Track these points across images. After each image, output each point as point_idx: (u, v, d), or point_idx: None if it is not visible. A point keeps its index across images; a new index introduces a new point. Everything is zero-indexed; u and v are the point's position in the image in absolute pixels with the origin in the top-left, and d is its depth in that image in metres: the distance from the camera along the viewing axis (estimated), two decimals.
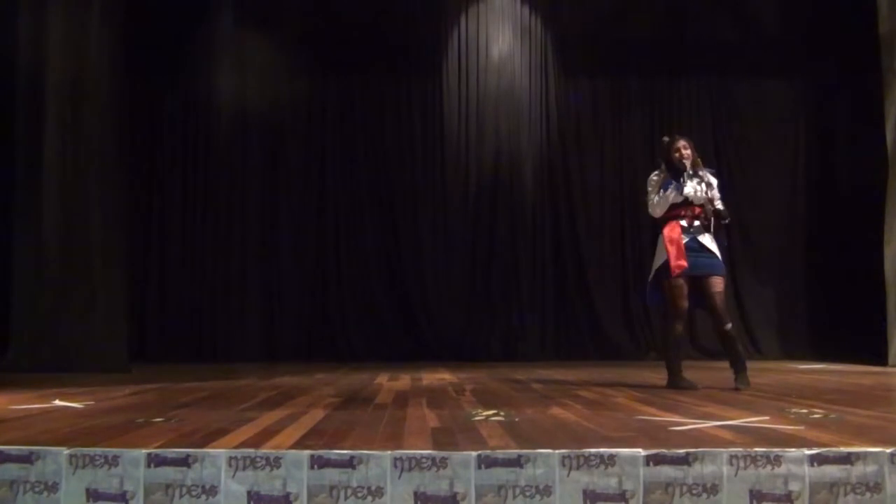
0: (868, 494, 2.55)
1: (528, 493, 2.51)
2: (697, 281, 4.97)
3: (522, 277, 9.35)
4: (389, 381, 5.88)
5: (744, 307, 9.55)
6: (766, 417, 3.54)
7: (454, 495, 2.51)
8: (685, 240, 4.97)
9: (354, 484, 2.52)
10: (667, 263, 4.94)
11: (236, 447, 2.70)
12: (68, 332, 6.85)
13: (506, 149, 9.46)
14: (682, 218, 5.01)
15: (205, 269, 9.32)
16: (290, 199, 9.48)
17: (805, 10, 9.37)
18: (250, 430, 3.17)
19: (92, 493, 2.54)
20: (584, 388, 5.28)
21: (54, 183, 7.06)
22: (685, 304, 4.96)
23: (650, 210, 5.11)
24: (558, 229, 9.61)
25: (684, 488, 2.53)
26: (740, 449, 2.59)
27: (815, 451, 2.58)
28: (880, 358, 7.34)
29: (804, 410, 3.82)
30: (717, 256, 5.03)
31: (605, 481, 2.52)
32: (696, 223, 5.02)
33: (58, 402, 4.29)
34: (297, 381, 5.93)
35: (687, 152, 5.06)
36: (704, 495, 2.53)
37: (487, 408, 3.99)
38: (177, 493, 2.53)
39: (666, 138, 5.24)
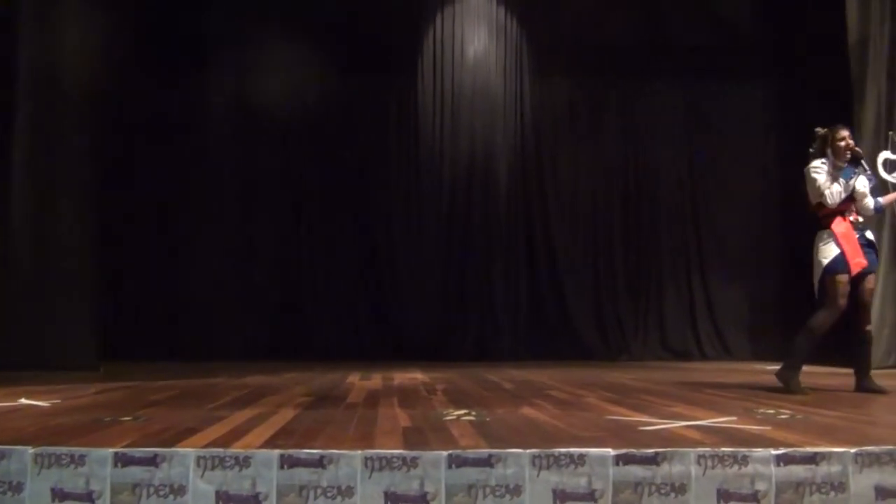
0: (833, 494, 2.58)
1: (498, 493, 2.52)
2: (855, 277, 4.80)
3: (496, 277, 9.37)
4: (361, 381, 5.87)
5: (713, 307, 9.65)
6: (734, 418, 3.58)
7: (424, 495, 2.51)
8: (856, 236, 4.83)
9: (324, 483, 2.51)
10: (836, 260, 4.74)
11: (205, 446, 2.68)
12: (36, 330, 6.74)
13: (480, 149, 9.48)
14: (846, 213, 4.85)
15: (177, 267, 9.23)
16: (264, 197, 9.43)
17: (778, 17, 9.48)
18: (220, 430, 3.15)
19: (57, 493, 2.51)
20: (556, 388, 5.31)
21: (24, 178, 6.96)
22: (844, 303, 4.75)
23: (828, 199, 4.79)
24: (532, 230, 9.64)
25: (653, 488, 2.55)
26: (708, 449, 2.61)
27: (781, 451, 2.61)
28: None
29: (771, 411, 3.86)
30: (876, 252, 4.96)
31: (575, 481, 2.54)
32: (860, 218, 4.89)
33: (23, 401, 4.23)
34: (268, 380, 5.90)
35: (853, 142, 4.90)
36: (673, 495, 2.55)
37: (459, 407, 4.00)
38: (144, 492, 2.50)
39: (821, 129, 4.98)
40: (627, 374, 6.73)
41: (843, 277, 4.74)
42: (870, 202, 4.94)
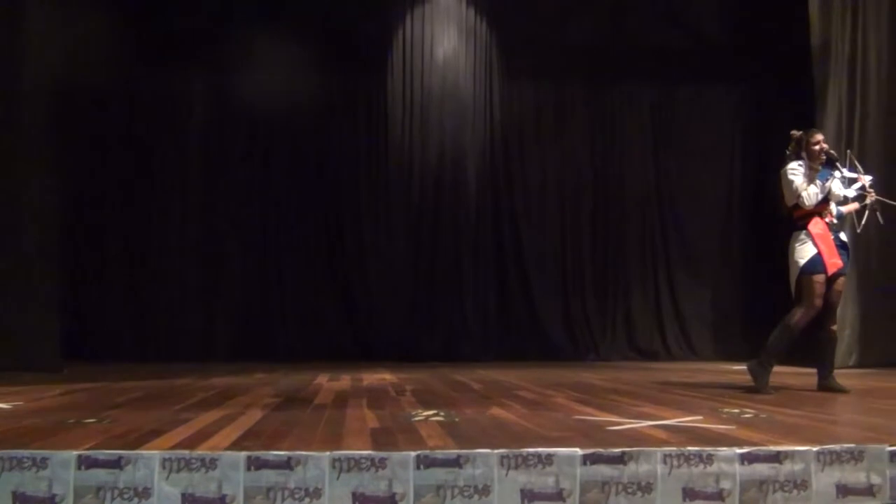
0: (795, 492, 2.63)
1: (466, 493, 2.52)
2: (829, 277, 4.88)
3: (464, 278, 9.37)
4: (329, 382, 5.85)
5: (679, 308, 9.74)
6: (700, 417, 3.62)
7: (393, 496, 2.51)
8: (832, 237, 4.92)
9: (292, 485, 2.50)
10: (813, 260, 4.83)
11: (171, 448, 2.66)
12: None
13: (449, 149, 9.47)
14: (822, 215, 4.95)
15: (144, 267, 9.12)
16: (232, 196, 9.34)
17: (743, 19, 9.61)
18: (186, 431, 3.12)
19: (19, 497, 2.47)
20: (524, 388, 5.33)
21: None
22: (820, 303, 4.84)
23: (806, 201, 4.89)
24: (500, 230, 9.66)
25: (619, 487, 2.57)
26: (674, 448, 2.64)
27: (745, 449, 2.65)
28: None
29: (736, 410, 3.92)
30: (848, 254, 5.06)
31: (543, 480, 2.55)
32: (836, 220, 5.01)
33: None
34: (235, 381, 5.85)
35: (827, 146, 5.01)
36: (639, 494, 2.57)
37: (427, 408, 4.00)
38: (108, 495, 2.47)
39: (796, 132, 5.08)
40: (595, 374, 6.77)
41: (820, 277, 4.84)
42: (833, 208, 5.06)
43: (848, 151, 5.41)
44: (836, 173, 5.01)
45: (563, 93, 9.87)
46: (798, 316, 4.86)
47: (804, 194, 4.91)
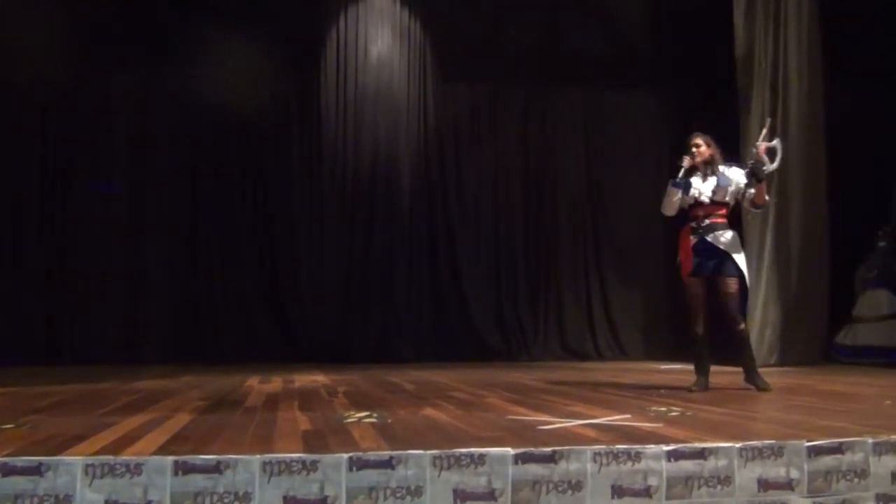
0: (719, 487, 2.70)
1: (399, 495, 2.52)
2: (712, 281, 4.96)
3: (398, 279, 9.36)
4: (260, 384, 5.77)
5: (609, 309, 9.91)
6: (628, 416, 3.69)
7: (324, 499, 2.49)
8: (693, 241, 4.98)
9: (221, 490, 2.46)
10: (679, 264, 5.01)
11: (94, 454, 2.58)
12: None
13: (383, 150, 9.44)
14: (693, 219, 5.02)
15: (64, 265, 8.84)
16: (159, 194, 9.14)
17: (672, 28, 9.84)
18: (110, 436, 3.04)
19: None
20: (457, 388, 5.35)
21: None
22: (695, 304, 4.97)
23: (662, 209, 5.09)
24: (434, 231, 9.67)
25: (550, 485, 2.60)
26: (603, 446, 2.69)
27: (671, 447, 2.71)
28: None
29: (663, 408, 4.01)
30: (729, 256, 4.95)
31: (475, 480, 2.56)
32: (707, 222, 4.98)
33: None
34: (162, 384, 5.72)
35: (700, 149, 5.05)
36: (570, 492, 2.61)
37: (360, 409, 3.98)
38: None
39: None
40: (527, 375, 6.84)
41: (686, 281, 5.05)
42: (750, 194, 5.02)
43: (768, 119, 5.33)
44: (694, 179, 5.05)
45: (496, 96, 9.95)
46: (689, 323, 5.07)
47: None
